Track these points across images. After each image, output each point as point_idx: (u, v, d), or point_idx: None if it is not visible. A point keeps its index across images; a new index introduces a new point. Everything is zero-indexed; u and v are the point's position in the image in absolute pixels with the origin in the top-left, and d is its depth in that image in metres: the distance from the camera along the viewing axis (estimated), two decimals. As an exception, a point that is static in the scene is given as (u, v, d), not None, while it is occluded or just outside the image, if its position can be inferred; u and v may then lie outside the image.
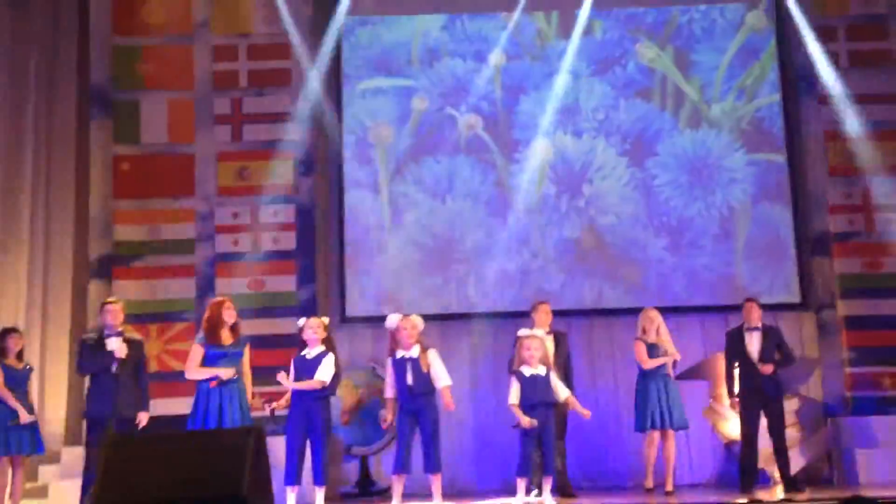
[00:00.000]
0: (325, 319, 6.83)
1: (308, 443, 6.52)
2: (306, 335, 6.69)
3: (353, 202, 9.33)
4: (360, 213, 9.32)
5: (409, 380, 6.51)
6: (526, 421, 6.42)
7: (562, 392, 6.59)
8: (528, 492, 6.59)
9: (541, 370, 6.56)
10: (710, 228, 9.18)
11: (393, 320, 6.75)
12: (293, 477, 6.45)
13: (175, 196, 9.12)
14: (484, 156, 9.38)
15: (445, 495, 6.67)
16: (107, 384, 6.59)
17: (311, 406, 6.53)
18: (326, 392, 6.60)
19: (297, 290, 8.92)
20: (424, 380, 6.56)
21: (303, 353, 6.66)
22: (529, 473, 6.57)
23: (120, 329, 6.78)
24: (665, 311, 7.92)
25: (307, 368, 6.60)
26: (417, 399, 6.53)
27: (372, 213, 9.32)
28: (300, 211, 9.11)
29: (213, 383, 6.54)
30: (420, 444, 6.55)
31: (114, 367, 6.59)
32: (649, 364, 7.32)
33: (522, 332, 6.77)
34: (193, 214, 9.08)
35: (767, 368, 7.22)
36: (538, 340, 6.67)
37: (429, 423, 6.52)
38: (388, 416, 6.66)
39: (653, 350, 7.39)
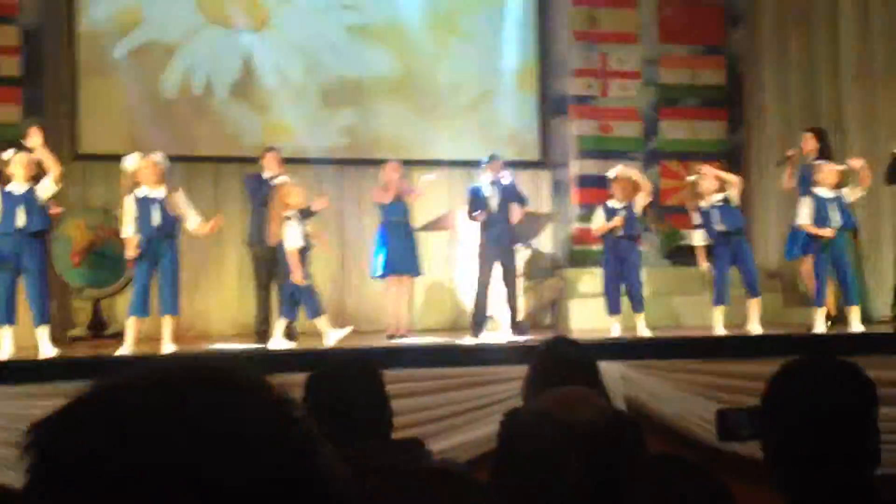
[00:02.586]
0: (34, 155, 6.37)
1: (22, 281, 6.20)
2: (13, 169, 6.25)
3: (88, 24, 8.58)
4: (97, 35, 8.61)
5: (155, 220, 6.31)
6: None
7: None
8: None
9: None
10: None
11: (132, 160, 6.44)
12: (6, 315, 6.14)
13: None
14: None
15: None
16: None
17: (21, 243, 6.15)
18: (35, 229, 6.25)
19: (23, 121, 8.18)
20: (171, 221, 6.41)
21: (7, 189, 6.23)
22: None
23: None
24: (413, 163, 8.05)
25: (13, 202, 6.20)
26: (161, 240, 6.37)
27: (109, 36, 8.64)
28: (25, 32, 8.27)
29: None
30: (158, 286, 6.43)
31: None
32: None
33: None
34: None
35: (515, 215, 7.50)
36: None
37: (170, 265, 6.42)
38: (129, 252, 6.45)
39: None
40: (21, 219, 6.18)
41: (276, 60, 9.07)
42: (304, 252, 6.80)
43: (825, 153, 7.46)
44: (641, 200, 7.22)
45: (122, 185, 6.56)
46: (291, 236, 6.76)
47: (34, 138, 6.29)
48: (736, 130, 9.81)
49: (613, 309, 7.11)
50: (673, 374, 5.70)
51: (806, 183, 7.26)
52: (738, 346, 6.25)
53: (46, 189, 6.30)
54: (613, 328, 7.04)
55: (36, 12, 8.32)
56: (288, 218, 6.77)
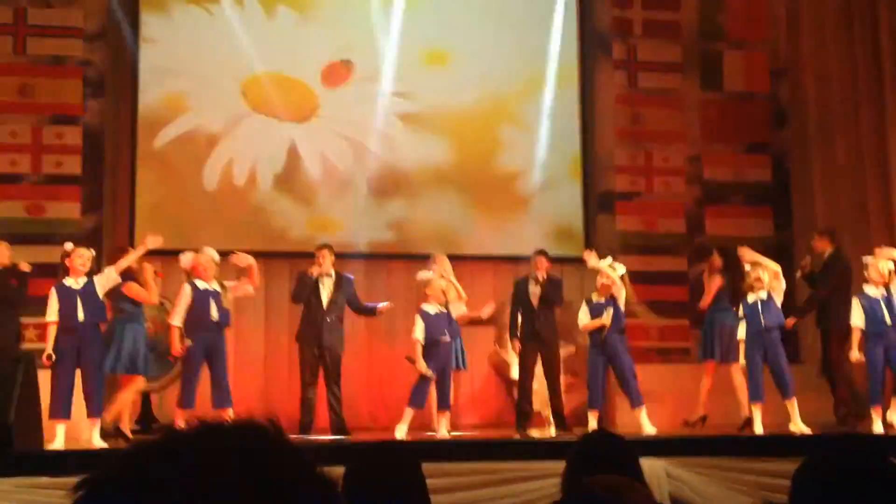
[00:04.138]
0: (93, 251, 6.62)
1: (80, 374, 6.34)
2: (73, 263, 6.45)
3: (147, 128, 8.92)
4: (155, 139, 8.93)
5: (214, 313, 6.52)
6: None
7: None
8: None
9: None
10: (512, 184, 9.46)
11: (187, 259, 6.71)
12: (64, 410, 6.26)
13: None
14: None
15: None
16: None
17: (82, 337, 6.32)
18: (95, 321, 6.45)
19: (82, 217, 8.49)
20: (226, 314, 6.60)
21: (65, 282, 6.43)
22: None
23: None
24: (460, 258, 8.20)
25: (72, 296, 6.38)
26: (215, 333, 6.51)
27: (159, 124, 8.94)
28: (87, 133, 8.64)
29: None
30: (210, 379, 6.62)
31: None
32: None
33: None
34: (-34, 130, 8.43)
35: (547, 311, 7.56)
36: None
37: (222, 358, 6.60)
38: (176, 345, 6.61)
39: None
40: (80, 313, 6.36)
41: (322, 150, 9.20)
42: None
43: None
44: (622, 296, 7.22)
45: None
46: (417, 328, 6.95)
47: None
48: (782, 228, 9.81)
49: (593, 403, 7.10)
50: (717, 472, 5.61)
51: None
52: (783, 445, 6.15)
53: (109, 280, 6.49)
54: (590, 423, 7.00)
55: (98, 112, 8.70)
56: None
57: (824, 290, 7.76)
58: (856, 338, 6.90)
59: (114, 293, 6.72)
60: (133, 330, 6.89)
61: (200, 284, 6.68)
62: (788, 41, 10.03)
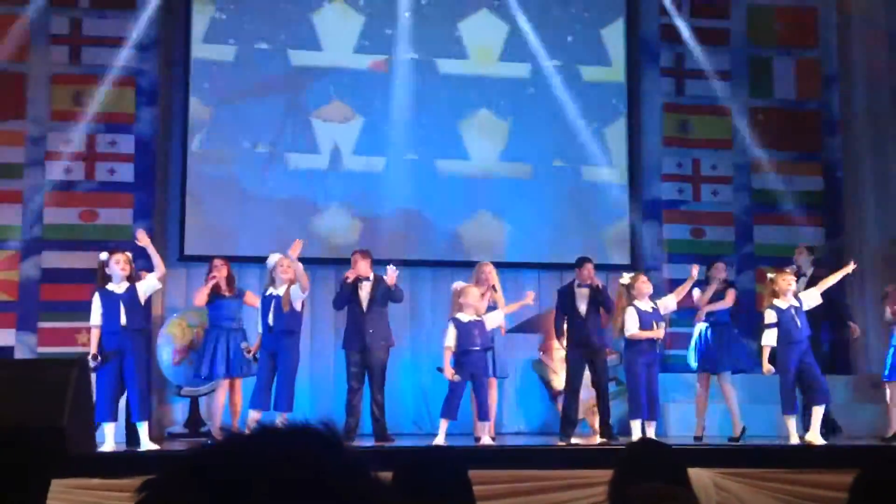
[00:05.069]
0: (129, 254, 6.71)
1: (123, 378, 6.46)
2: (111, 269, 6.56)
3: (197, 136, 9.05)
4: (206, 148, 9.05)
5: (270, 319, 6.65)
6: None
7: None
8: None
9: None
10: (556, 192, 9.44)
11: (273, 259, 6.95)
12: (109, 412, 6.37)
13: (2, 118, 8.62)
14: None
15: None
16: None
17: (124, 341, 6.43)
18: (138, 327, 6.60)
19: (134, 224, 8.63)
20: (284, 319, 6.69)
21: (108, 287, 6.54)
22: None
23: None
24: (504, 265, 8.19)
25: (115, 301, 6.49)
26: (278, 338, 6.69)
27: (218, 149, 9.07)
28: (140, 142, 8.79)
29: None
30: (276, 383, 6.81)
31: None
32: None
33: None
34: (23, 138, 8.61)
35: (604, 320, 7.52)
36: None
37: (286, 363, 6.74)
38: (250, 347, 7.00)
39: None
40: (123, 317, 6.48)
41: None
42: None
43: None
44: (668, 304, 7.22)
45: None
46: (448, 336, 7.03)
47: (142, 238, 6.68)
48: (834, 236, 9.67)
49: (646, 414, 7.00)
50: (766, 483, 5.54)
51: None
52: (831, 456, 6.06)
53: (150, 286, 6.61)
54: (634, 432, 6.92)
55: (150, 122, 8.85)
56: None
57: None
58: None
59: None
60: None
61: (269, 291, 6.87)
62: (839, 48, 9.90)
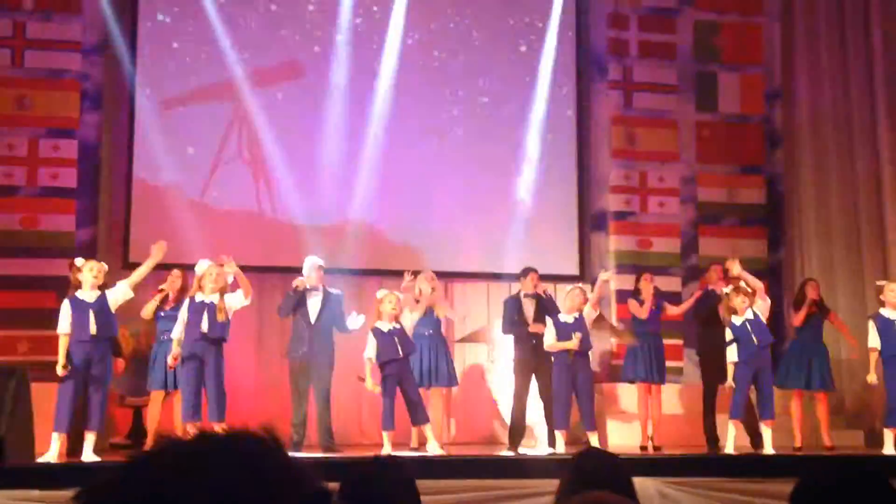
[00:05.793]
0: (105, 265, 6.59)
1: (87, 387, 6.34)
2: (84, 277, 6.41)
3: (143, 141, 8.92)
4: (151, 154, 8.92)
5: (204, 326, 6.45)
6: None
7: None
8: None
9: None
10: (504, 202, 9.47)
11: (202, 265, 6.72)
12: (67, 424, 6.26)
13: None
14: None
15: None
16: None
17: (93, 350, 6.32)
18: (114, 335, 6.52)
19: (77, 230, 8.48)
20: (218, 327, 6.53)
21: (78, 296, 6.39)
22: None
23: None
24: (452, 275, 8.20)
25: (85, 309, 6.34)
26: (207, 346, 6.47)
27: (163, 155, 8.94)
28: (83, 147, 8.64)
29: None
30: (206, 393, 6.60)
31: None
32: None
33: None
34: (-37, 142, 8.42)
35: (538, 328, 7.52)
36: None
37: (215, 372, 6.53)
38: (170, 359, 6.63)
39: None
40: (93, 326, 6.32)
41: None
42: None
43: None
44: (590, 314, 7.25)
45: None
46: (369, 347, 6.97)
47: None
48: (776, 249, 9.84)
49: (562, 424, 7.06)
50: (710, 493, 5.61)
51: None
52: (773, 465, 6.16)
53: (122, 294, 6.47)
54: (558, 444, 6.96)
55: (95, 126, 8.70)
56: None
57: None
58: (873, 360, 7.08)
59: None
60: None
61: (198, 297, 6.62)
62: (783, 64, 10.10)
